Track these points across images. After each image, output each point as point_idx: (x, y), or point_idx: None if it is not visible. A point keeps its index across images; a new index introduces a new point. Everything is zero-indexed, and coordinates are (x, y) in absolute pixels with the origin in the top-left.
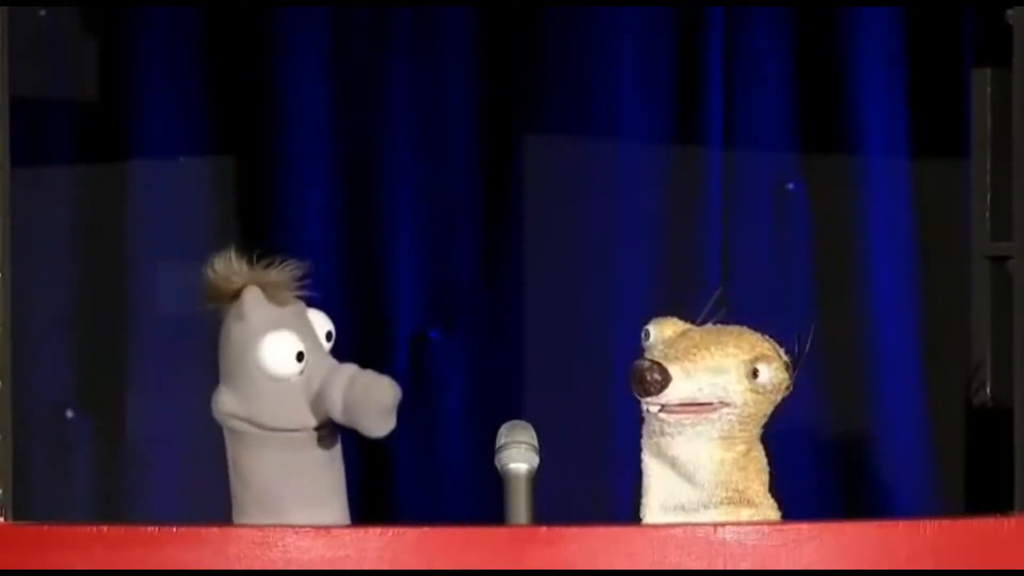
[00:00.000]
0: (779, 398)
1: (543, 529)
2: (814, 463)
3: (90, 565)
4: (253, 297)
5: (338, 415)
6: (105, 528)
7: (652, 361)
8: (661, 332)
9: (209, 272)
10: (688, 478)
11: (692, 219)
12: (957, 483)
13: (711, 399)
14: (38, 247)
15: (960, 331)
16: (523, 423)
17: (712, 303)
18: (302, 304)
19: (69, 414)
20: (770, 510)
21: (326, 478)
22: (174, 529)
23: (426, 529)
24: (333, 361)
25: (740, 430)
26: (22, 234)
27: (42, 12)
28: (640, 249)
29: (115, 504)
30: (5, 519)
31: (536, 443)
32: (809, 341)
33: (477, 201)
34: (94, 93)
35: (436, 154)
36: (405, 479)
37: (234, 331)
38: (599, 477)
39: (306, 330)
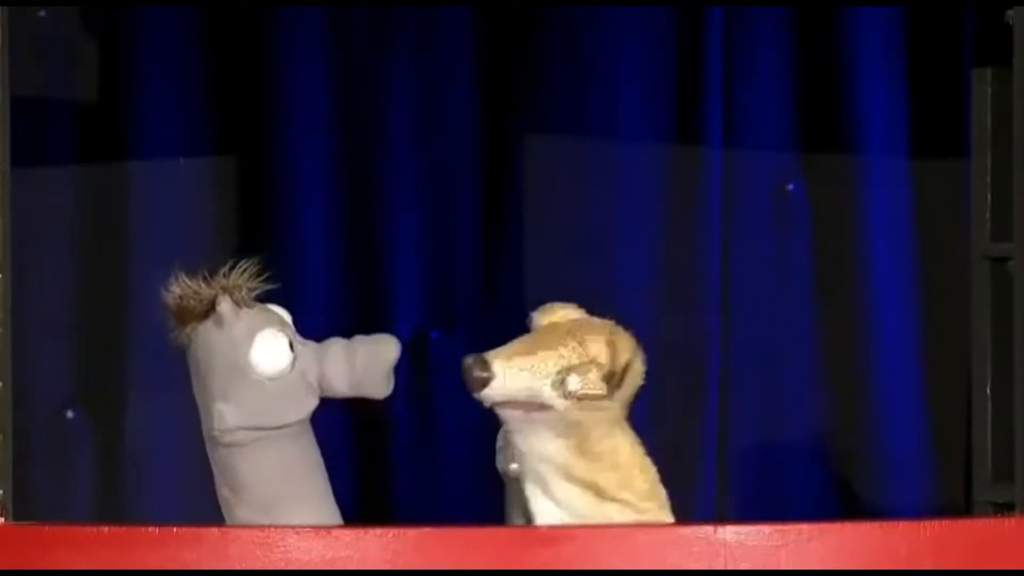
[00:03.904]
0: (612, 405)
1: (543, 529)
2: (814, 463)
3: (90, 565)
4: (228, 306)
5: (344, 389)
6: (105, 528)
7: (477, 357)
8: (540, 319)
9: (173, 297)
10: (535, 469)
11: (692, 219)
12: (957, 483)
13: (531, 400)
14: (38, 247)
15: (960, 331)
16: None
17: None
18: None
19: (69, 414)
20: (645, 505)
21: (318, 465)
22: (174, 529)
23: (426, 529)
24: (313, 343)
25: (573, 430)
26: (22, 234)
27: (42, 12)
28: (640, 249)
29: (115, 504)
30: (5, 519)
31: None
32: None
33: (477, 201)
34: (94, 93)
35: (436, 154)
36: (405, 479)
37: (218, 344)
38: None
39: (283, 322)
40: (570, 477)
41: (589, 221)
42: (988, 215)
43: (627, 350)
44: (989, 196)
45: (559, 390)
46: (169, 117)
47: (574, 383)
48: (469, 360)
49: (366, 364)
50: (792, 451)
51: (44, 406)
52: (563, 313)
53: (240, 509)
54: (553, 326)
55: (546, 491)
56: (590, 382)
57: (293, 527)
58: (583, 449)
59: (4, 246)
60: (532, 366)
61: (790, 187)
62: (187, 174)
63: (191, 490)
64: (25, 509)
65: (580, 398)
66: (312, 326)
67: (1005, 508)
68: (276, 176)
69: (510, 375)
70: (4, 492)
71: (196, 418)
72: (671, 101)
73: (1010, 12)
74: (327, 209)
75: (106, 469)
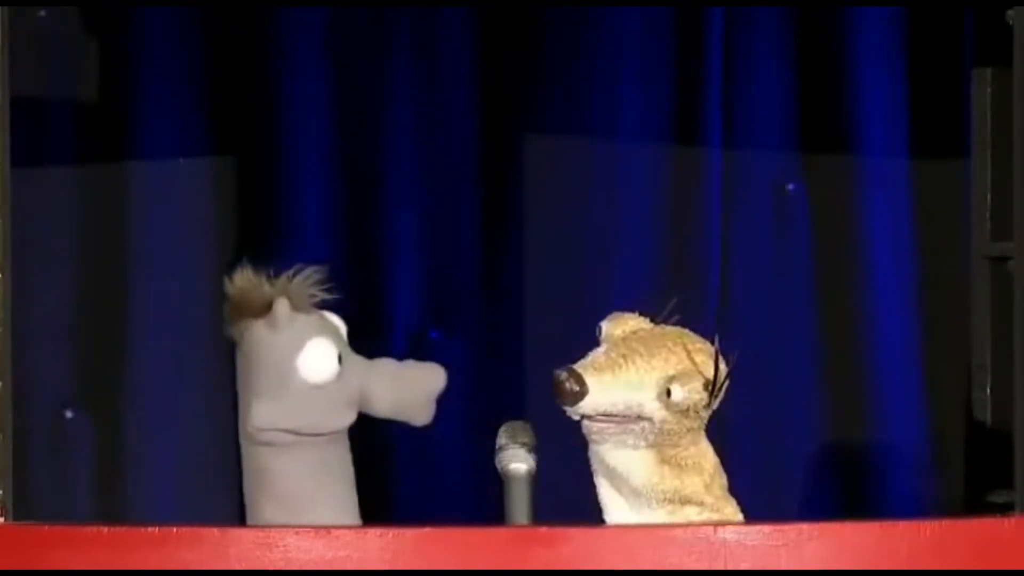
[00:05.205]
0: (704, 413)
1: (543, 529)
2: (814, 463)
3: (90, 565)
4: (284, 309)
5: (385, 409)
6: (105, 528)
7: (570, 372)
8: (611, 330)
9: (234, 289)
10: (623, 481)
11: (692, 219)
12: (957, 482)
13: (627, 412)
14: (38, 247)
15: (960, 331)
16: (523, 423)
17: (671, 307)
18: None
19: (69, 414)
20: (722, 509)
21: (348, 476)
22: (174, 529)
23: (426, 529)
24: (362, 359)
25: (666, 439)
26: (22, 234)
27: (42, 12)
28: (640, 249)
29: (115, 504)
30: (5, 519)
31: (535, 444)
32: (727, 362)
33: (477, 201)
34: (94, 93)
35: (436, 154)
36: (405, 479)
37: (269, 344)
38: None
39: (336, 333)
40: (654, 485)
41: (589, 221)
42: (988, 215)
43: (721, 358)
44: (989, 196)
45: (662, 400)
46: (169, 117)
47: (679, 392)
48: (562, 374)
49: (410, 389)
50: (792, 451)
51: (44, 406)
52: (634, 322)
53: (267, 509)
54: (641, 335)
55: (631, 499)
56: (695, 391)
57: (293, 527)
58: (669, 457)
59: (4, 246)
60: (629, 378)
61: (790, 187)
62: (187, 174)
63: (191, 490)
64: (25, 509)
65: (684, 408)
66: None
67: (1005, 508)
68: (276, 176)
69: (606, 388)
70: (4, 492)
71: (196, 418)
72: (671, 101)
73: (1010, 12)
74: (327, 209)
75: (106, 469)
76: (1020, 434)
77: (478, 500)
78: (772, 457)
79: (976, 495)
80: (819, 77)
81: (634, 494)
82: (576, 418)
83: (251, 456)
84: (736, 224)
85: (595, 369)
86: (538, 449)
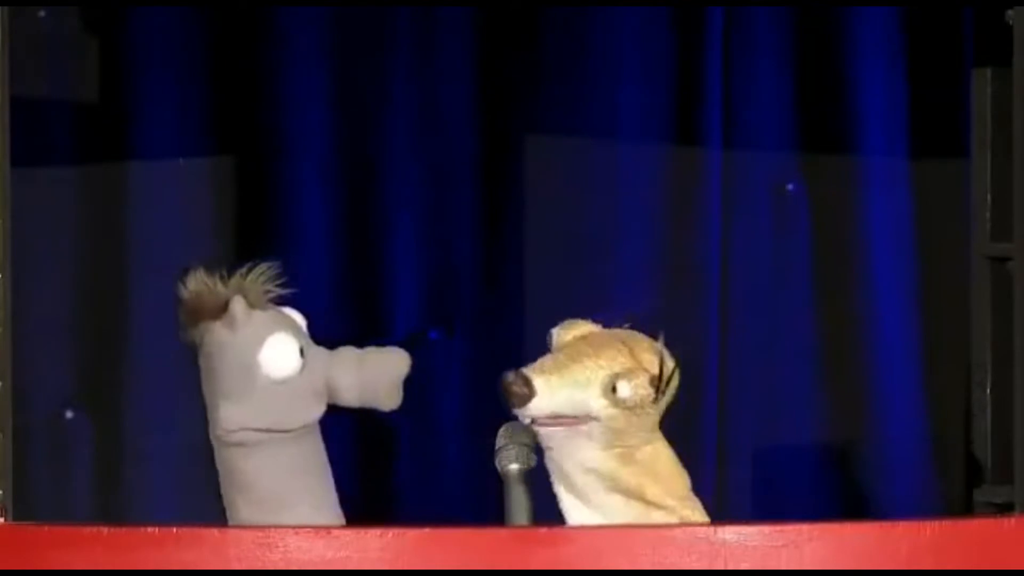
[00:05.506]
0: (655, 410)
1: (543, 529)
2: (814, 463)
3: (90, 565)
4: (241, 307)
5: (352, 398)
6: (105, 528)
7: (517, 374)
8: (562, 336)
9: (188, 293)
10: (578, 484)
11: (692, 219)
12: (957, 483)
13: (576, 413)
14: (38, 247)
15: (960, 331)
16: (523, 423)
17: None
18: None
19: (69, 414)
20: (682, 511)
21: (324, 469)
22: (174, 529)
23: (426, 529)
24: (324, 350)
25: (617, 439)
26: (22, 234)
27: (42, 12)
28: (640, 249)
29: (115, 504)
30: (5, 519)
31: (535, 444)
32: (675, 359)
33: (477, 201)
34: (94, 93)
35: (436, 154)
36: (405, 479)
37: (230, 345)
38: None
39: (295, 327)
40: (616, 486)
41: (589, 221)
42: (988, 215)
43: (670, 356)
44: (989, 196)
45: (608, 398)
46: (169, 117)
47: (624, 389)
48: (510, 377)
49: (374, 375)
50: (792, 451)
51: (44, 406)
52: (585, 327)
53: (244, 510)
54: (588, 337)
55: (587, 502)
56: (640, 387)
57: (293, 527)
58: (627, 457)
59: (4, 246)
60: (576, 378)
61: (790, 187)
62: (187, 174)
63: (191, 490)
64: (25, 509)
65: (631, 405)
66: (312, 326)
67: (1005, 508)
68: (276, 176)
69: (552, 389)
70: (4, 492)
71: (195, 418)
72: (671, 101)
73: (1010, 12)
74: (327, 209)
75: (106, 469)
76: (1020, 434)
77: (478, 500)
78: (772, 457)
79: (976, 495)
80: (819, 77)
81: (590, 496)
82: (527, 421)
83: (224, 459)
84: (736, 224)
85: (542, 371)
86: (538, 449)
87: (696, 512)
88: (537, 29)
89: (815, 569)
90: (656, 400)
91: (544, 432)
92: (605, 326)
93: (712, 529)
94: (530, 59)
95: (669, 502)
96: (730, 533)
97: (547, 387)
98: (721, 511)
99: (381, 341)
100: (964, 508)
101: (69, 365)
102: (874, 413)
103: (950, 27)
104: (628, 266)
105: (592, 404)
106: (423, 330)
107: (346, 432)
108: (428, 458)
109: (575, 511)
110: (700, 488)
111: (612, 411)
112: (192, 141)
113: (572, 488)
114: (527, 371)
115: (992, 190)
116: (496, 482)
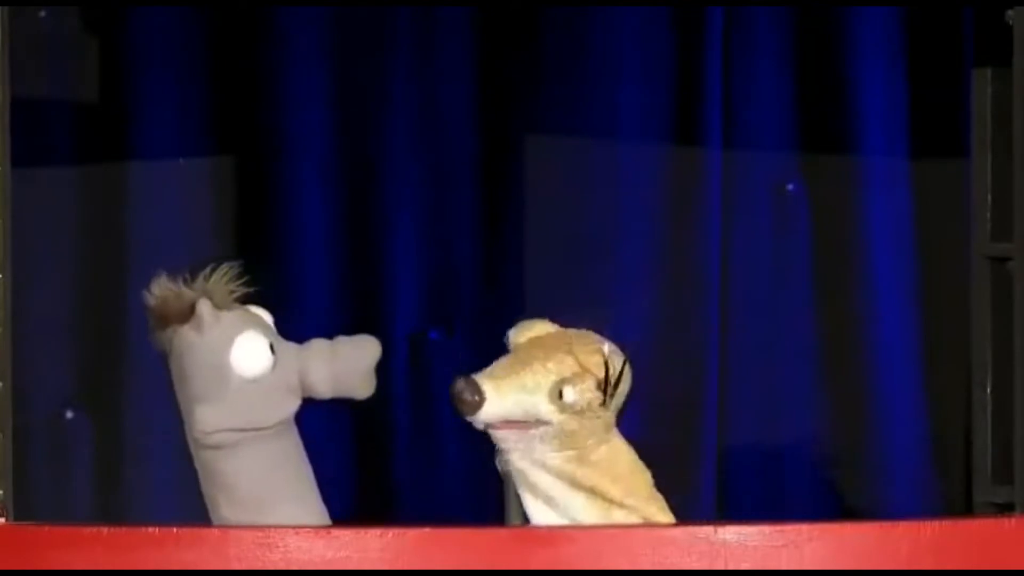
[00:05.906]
0: (606, 412)
1: (543, 529)
2: (814, 463)
3: (90, 565)
4: (207, 309)
5: (326, 390)
6: (105, 528)
7: (467, 381)
8: (517, 338)
9: (153, 300)
10: (537, 487)
11: (692, 219)
12: (957, 483)
13: (526, 417)
14: (38, 247)
15: (960, 331)
16: None
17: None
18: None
19: (69, 414)
20: (644, 509)
21: (303, 464)
22: (174, 529)
23: (426, 529)
24: (294, 344)
25: (570, 441)
26: (22, 234)
27: (42, 12)
28: (640, 249)
29: (115, 504)
30: (5, 519)
31: None
32: (627, 361)
33: (477, 201)
34: (94, 93)
35: (436, 154)
36: (405, 479)
37: (199, 347)
38: None
39: (264, 324)
40: (575, 486)
41: (589, 221)
42: (988, 215)
43: (618, 357)
44: (989, 196)
45: (556, 403)
46: (169, 117)
47: (570, 394)
48: (459, 384)
49: (347, 365)
50: (792, 451)
51: (44, 406)
52: (540, 328)
53: (225, 510)
54: (539, 340)
55: (551, 504)
56: (587, 391)
57: (293, 527)
58: (583, 458)
59: (4, 246)
60: (524, 383)
61: (790, 187)
62: (187, 174)
63: (191, 490)
64: (25, 509)
65: (578, 409)
66: (312, 326)
67: (1005, 508)
68: (276, 176)
69: (502, 395)
70: (4, 492)
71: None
72: (671, 101)
73: (1010, 12)
74: (326, 209)
75: (106, 469)
76: (1020, 434)
77: (478, 500)
78: (771, 457)
79: (976, 495)
80: (819, 77)
81: (550, 496)
82: (481, 427)
83: (203, 461)
84: (736, 224)
85: (492, 377)
86: None
87: (661, 512)
88: (537, 29)
89: (815, 569)
90: (605, 403)
91: (499, 435)
92: (563, 325)
93: (712, 529)
94: (530, 59)
95: (630, 501)
96: (730, 533)
97: (496, 393)
98: (721, 511)
99: (381, 341)
100: (964, 508)
101: (69, 365)
102: (874, 413)
103: (950, 27)
104: (628, 266)
105: (541, 408)
106: (423, 330)
107: (346, 432)
108: (428, 458)
109: (538, 513)
110: (700, 488)
111: (561, 416)
112: (192, 141)
113: (533, 489)
114: (477, 377)
115: (992, 190)
116: (496, 482)
